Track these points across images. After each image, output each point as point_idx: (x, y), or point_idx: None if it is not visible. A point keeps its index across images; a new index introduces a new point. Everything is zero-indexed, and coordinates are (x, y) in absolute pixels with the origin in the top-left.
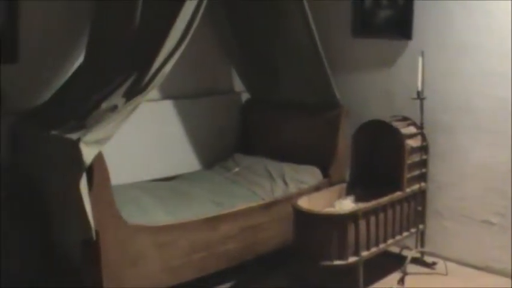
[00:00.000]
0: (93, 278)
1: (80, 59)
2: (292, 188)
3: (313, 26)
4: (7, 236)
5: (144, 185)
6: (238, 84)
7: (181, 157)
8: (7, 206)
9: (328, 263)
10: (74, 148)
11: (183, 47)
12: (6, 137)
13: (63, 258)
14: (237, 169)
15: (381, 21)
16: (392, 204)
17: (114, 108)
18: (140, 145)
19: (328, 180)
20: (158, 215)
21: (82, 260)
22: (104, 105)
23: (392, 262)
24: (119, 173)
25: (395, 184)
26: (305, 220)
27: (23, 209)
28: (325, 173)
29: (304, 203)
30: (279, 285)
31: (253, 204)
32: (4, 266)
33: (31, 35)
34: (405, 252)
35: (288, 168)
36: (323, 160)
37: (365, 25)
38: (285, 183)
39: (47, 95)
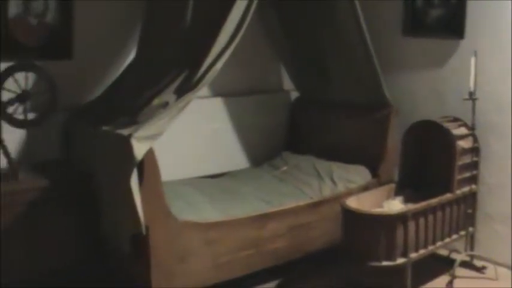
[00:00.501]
0: (142, 272)
1: (131, 56)
2: (341, 187)
3: (364, 25)
4: (59, 231)
5: (193, 181)
6: (287, 83)
7: (230, 154)
8: (60, 201)
9: (376, 263)
10: (126, 144)
11: (234, 44)
12: (59, 132)
13: (112, 252)
14: (285, 167)
15: (433, 20)
16: (442, 206)
17: (165, 105)
18: (189, 142)
19: (377, 180)
20: (207, 212)
21: (131, 255)
22: (156, 101)
23: (440, 265)
24: (168, 169)
25: (445, 186)
26: (353, 220)
27: (75, 204)
28: (374, 172)
29: (352, 202)
30: (326, 284)
31: (301, 202)
32: (56, 261)
33: (85, 32)
34: (454, 255)
35: (337, 167)
36: (372, 160)
37: (416, 24)
38: (333, 182)
39: (99, 91)
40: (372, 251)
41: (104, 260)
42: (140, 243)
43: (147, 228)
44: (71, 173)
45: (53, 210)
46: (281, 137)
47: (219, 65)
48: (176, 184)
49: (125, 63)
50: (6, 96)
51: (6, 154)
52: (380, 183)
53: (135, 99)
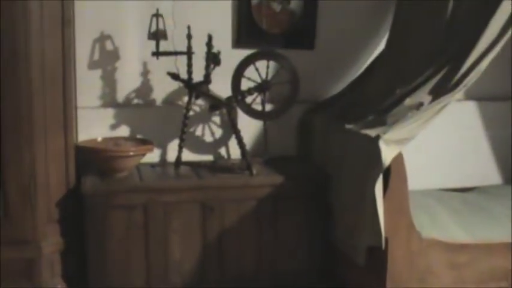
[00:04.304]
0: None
1: (378, 50)
2: None
3: None
4: (290, 231)
5: (437, 194)
6: None
7: (480, 167)
8: (294, 201)
9: None
10: (372, 146)
11: (503, 41)
12: (297, 127)
13: (344, 260)
14: None
15: None
16: None
17: (419, 106)
18: (435, 149)
19: None
20: (454, 231)
21: (366, 267)
22: (408, 101)
23: None
24: (410, 178)
25: None
26: None
27: (310, 205)
28: None
29: None
30: None
31: None
32: (285, 262)
33: (329, 21)
34: None
35: None
36: None
37: None
38: None
39: (341, 85)
40: None
41: (335, 266)
42: (377, 256)
43: (386, 240)
44: (307, 172)
45: (285, 209)
46: None
47: (484, 64)
48: (418, 195)
49: (371, 57)
50: (245, 85)
51: (241, 145)
52: None
53: (384, 97)
